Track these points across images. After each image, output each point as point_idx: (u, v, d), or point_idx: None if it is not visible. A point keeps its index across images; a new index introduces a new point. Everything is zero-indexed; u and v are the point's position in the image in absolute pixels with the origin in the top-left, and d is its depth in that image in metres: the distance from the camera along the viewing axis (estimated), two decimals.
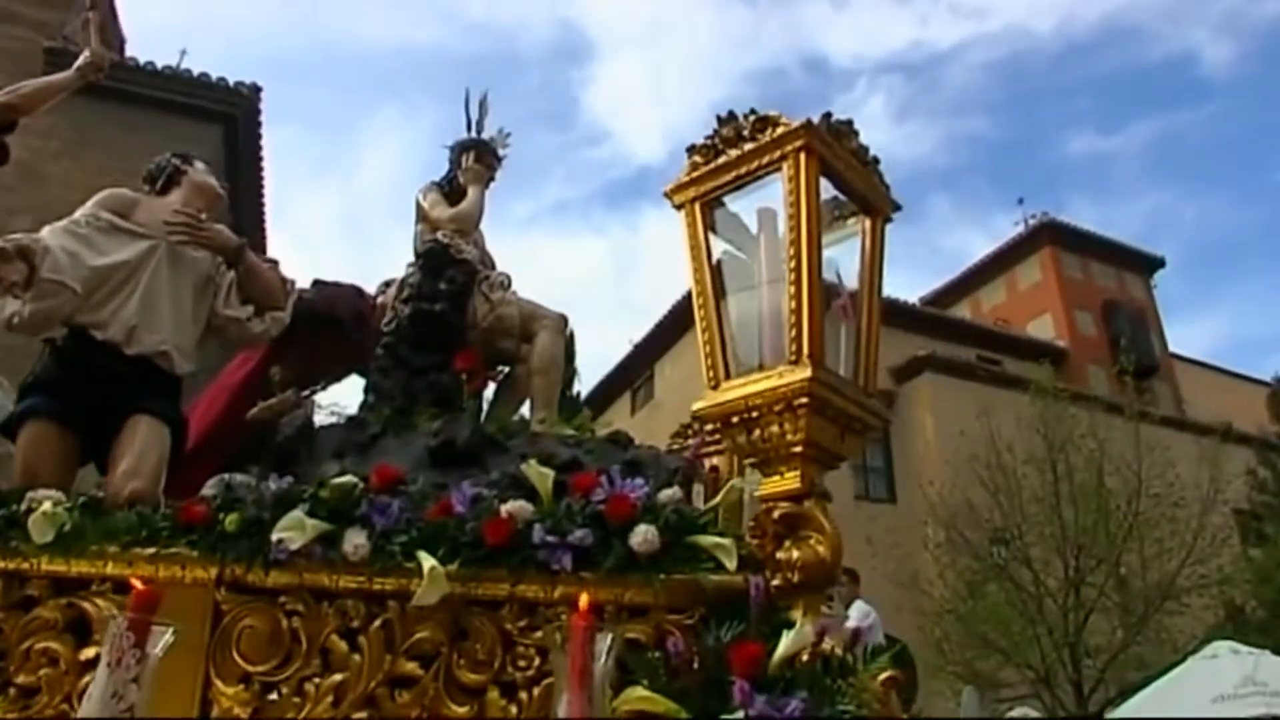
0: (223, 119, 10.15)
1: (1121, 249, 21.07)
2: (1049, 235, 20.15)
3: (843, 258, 2.13)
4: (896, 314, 16.25)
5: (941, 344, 16.18)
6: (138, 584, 1.58)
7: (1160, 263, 21.64)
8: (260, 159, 10.87)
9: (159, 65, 9.99)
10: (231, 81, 10.19)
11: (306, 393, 3.61)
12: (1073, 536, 10.56)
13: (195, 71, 10.15)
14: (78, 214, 2.44)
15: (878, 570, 10.08)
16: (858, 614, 6.14)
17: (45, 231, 2.34)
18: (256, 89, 10.28)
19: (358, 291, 3.86)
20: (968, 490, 11.21)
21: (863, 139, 2.08)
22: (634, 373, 17.78)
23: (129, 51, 11.69)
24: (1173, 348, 21.00)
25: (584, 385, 18.55)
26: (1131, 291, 20.74)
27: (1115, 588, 10.61)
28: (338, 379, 3.89)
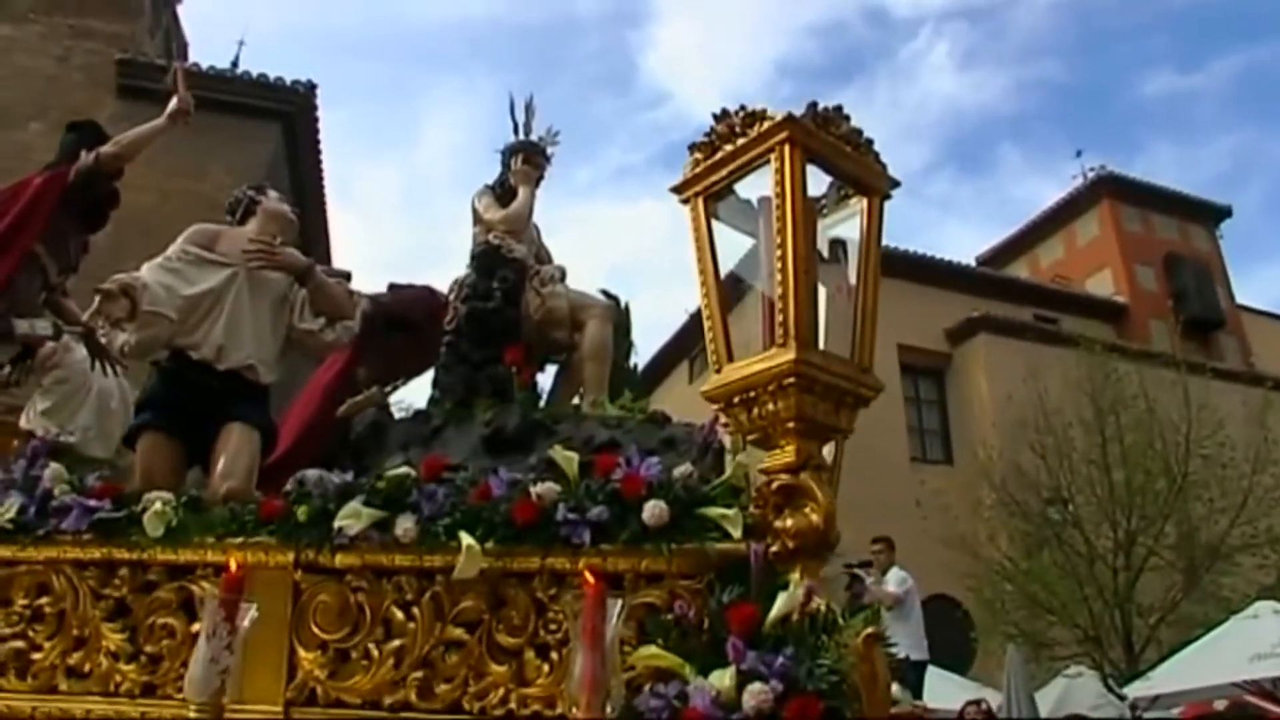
0: (281, 116, 10.44)
1: (1184, 200, 19.50)
2: (1108, 189, 18.80)
3: (849, 237, 2.17)
4: (951, 275, 15.60)
5: (997, 304, 15.43)
6: (233, 567, 1.81)
7: (1226, 212, 19.90)
8: (319, 150, 11.20)
9: (220, 66, 10.32)
10: (288, 80, 10.45)
11: (388, 389, 3.86)
12: (1123, 497, 10.07)
13: (254, 70, 10.49)
14: (170, 250, 2.70)
15: (929, 533, 9.88)
16: (895, 581, 6.08)
17: (145, 269, 2.60)
18: (312, 85, 10.54)
19: (430, 292, 4.06)
20: (1021, 452, 10.81)
21: (854, 123, 2.08)
22: (690, 341, 17.08)
23: (191, 56, 12.11)
24: (1245, 299, 19.44)
25: (643, 354, 18.08)
26: (1195, 243, 19.19)
27: (1167, 547, 10.10)
28: (418, 374, 4.12)
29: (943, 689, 6.86)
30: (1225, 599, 9.35)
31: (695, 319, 17.07)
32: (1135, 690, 7.24)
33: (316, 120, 10.87)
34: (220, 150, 9.16)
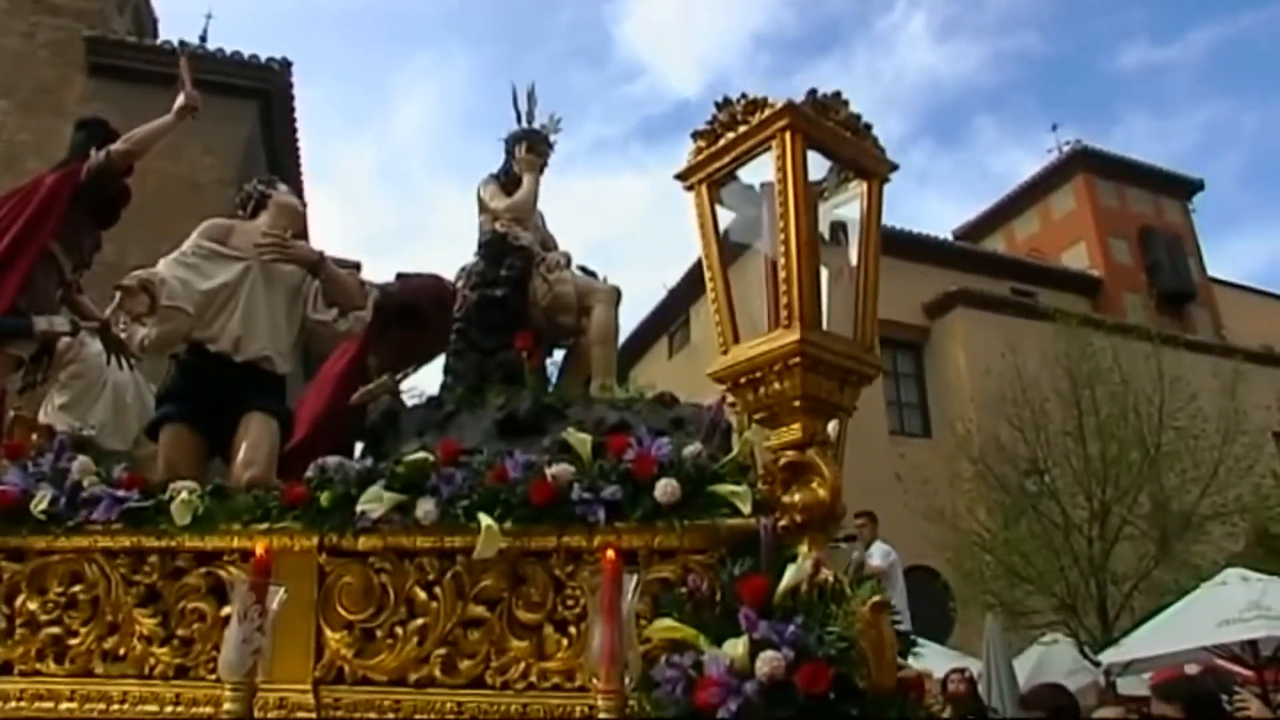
0: (257, 94, 9.94)
1: (1158, 173, 19.37)
2: (1083, 163, 18.67)
3: (849, 218, 2.16)
4: (929, 249, 15.46)
5: (974, 278, 15.28)
6: (262, 553, 1.81)
7: (1199, 186, 19.81)
8: (295, 129, 10.74)
9: (193, 44, 9.72)
10: (263, 58, 9.97)
11: (400, 376, 3.85)
12: (1098, 469, 10.11)
13: (224, 46, 9.96)
14: (185, 245, 2.68)
15: (909, 505, 9.87)
16: (879, 555, 6.10)
17: (161, 264, 2.58)
18: (287, 63, 10.06)
19: (438, 280, 4.04)
20: (998, 425, 10.82)
21: (853, 108, 2.08)
22: (670, 317, 16.71)
23: (162, 34, 11.65)
24: (1219, 271, 19.42)
25: (622, 330, 17.85)
26: (1168, 217, 19.10)
27: (1140, 517, 10.16)
28: (428, 361, 4.10)
29: (924, 658, 6.91)
30: (1196, 566, 9.40)
31: (674, 295, 16.62)
32: (1109, 656, 7.29)
33: (292, 98, 10.38)
34: (197, 129, 8.85)
